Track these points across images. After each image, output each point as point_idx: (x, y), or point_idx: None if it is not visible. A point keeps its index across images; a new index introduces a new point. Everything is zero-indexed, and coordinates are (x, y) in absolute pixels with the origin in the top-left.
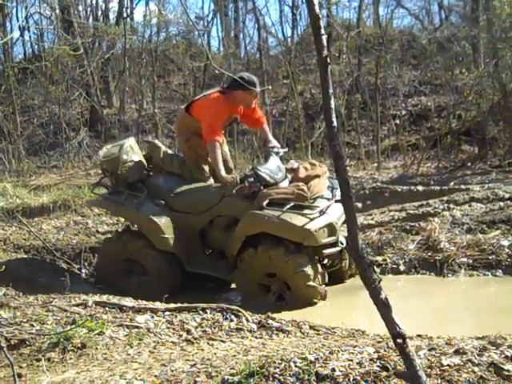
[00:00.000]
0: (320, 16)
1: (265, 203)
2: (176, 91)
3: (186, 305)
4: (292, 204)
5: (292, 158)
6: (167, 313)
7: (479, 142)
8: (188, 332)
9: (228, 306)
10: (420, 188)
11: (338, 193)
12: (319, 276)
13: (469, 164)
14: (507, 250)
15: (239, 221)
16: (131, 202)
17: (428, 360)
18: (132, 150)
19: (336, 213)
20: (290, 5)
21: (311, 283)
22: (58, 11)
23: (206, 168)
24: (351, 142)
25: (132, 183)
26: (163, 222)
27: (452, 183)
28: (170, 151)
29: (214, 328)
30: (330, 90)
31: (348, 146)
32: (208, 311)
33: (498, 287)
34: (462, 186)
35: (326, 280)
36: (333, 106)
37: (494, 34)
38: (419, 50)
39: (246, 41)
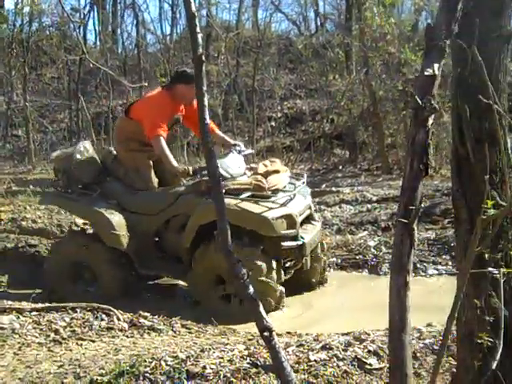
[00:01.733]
0: (196, 14)
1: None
2: (49, 84)
3: (54, 304)
4: (249, 194)
5: None
6: (34, 313)
7: (350, 146)
8: (56, 332)
9: (99, 305)
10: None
11: (301, 189)
12: (274, 273)
13: (340, 167)
14: (373, 250)
15: None
16: (84, 199)
17: (296, 356)
18: (87, 152)
19: (297, 207)
20: (170, 2)
21: (263, 278)
22: None
23: (152, 177)
24: None
25: (86, 183)
26: (116, 218)
27: (324, 185)
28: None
29: (84, 328)
30: (204, 88)
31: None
32: (78, 310)
33: (365, 285)
34: (333, 189)
35: (283, 279)
36: (206, 103)
37: (365, 43)
38: (295, 54)
39: (124, 36)
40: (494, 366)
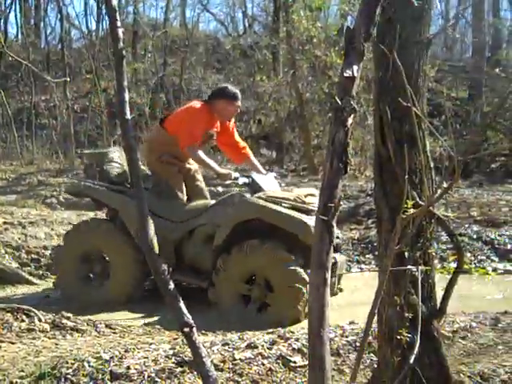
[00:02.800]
0: (117, 9)
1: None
2: None
3: None
4: (289, 204)
5: None
6: None
7: (277, 147)
8: None
9: (19, 306)
10: (220, 189)
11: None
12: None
13: (267, 167)
14: None
15: None
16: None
17: (221, 354)
18: (121, 156)
19: None
20: None
21: (299, 285)
22: None
23: (181, 190)
24: None
25: (115, 182)
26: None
27: None
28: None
29: (3, 329)
30: (125, 83)
31: None
32: None
33: None
34: None
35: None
36: (127, 98)
37: (292, 46)
38: (223, 54)
39: (47, 30)
40: (412, 360)
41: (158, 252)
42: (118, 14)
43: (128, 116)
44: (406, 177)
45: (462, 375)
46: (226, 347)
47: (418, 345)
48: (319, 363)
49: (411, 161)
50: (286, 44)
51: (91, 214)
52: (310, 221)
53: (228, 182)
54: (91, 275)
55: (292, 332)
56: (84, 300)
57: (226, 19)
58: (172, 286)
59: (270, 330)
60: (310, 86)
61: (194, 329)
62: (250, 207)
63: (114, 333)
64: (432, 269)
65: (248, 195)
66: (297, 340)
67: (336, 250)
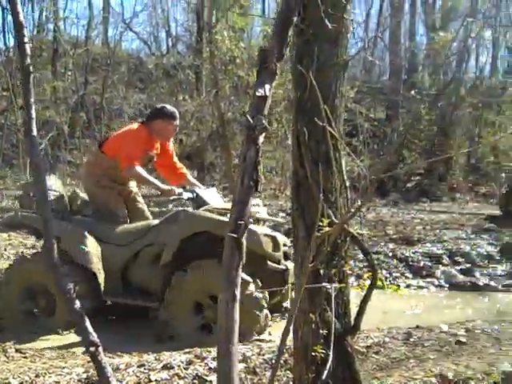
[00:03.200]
0: (24, 24)
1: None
2: None
3: None
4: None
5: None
6: None
7: (198, 167)
8: None
9: None
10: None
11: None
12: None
13: (187, 187)
14: None
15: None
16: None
17: (137, 376)
18: (57, 183)
19: (280, 237)
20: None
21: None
22: None
23: (123, 213)
24: (73, 160)
25: (54, 209)
26: (88, 236)
27: (171, 205)
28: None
29: None
30: (32, 99)
31: (70, 165)
32: None
33: None
34: (179, 208)
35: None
36: (34, 115)
37: (215, 66)
38: (146, 74)
39: None
40: (324, 376)
41: (107, 275)
42: (25, 29)
43: (34, 133)
44: (321, 195)
45: None
46: (142, 368)
47: (330, 360)
48: (228, 379)
49: (327, 180)
50: (209, 64)
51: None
52: (258, 228)
53: (172, 197)
54: (35, 310)
55: (209, 351)
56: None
57: (149, 38)
58: (78, 305)
59: (187, 350)
60: (232, 106)
61: (100, 348)
62: (197, 221)
63: (24, 357)
64: (347, 286)
65: (191, 209)
66: (213, 359)
67: (286, 258)
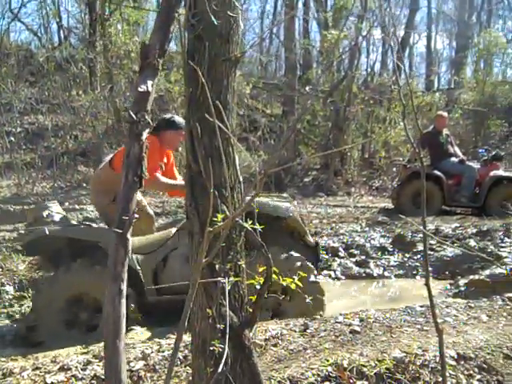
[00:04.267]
0: None
1: None
2: None
3: None
4: None
5: None
6: None
7: (94, 164)
8: None
9: None
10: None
11: None
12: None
13: (84, 184)
14: None
15: None
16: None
17: (32, 380)
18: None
19: None
20: None
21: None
22: None
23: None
24: None
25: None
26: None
27: (67, 203)
28: None
29: None
30: None
31: None
32: None
33: None
34: (77, 206)
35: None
36: None
37: (110, 60)
38: (37, 67)
39: None
40: (220, 369)
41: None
42: None
43: None
44: (214, 190)
45: (272, 381)
46: (38, 371)
47: (226, 354)
48: (115, 374)
49: (221, 175)
50: (103, 58)
51: None
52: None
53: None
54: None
55: None
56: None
57: (39, 30)
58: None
59: (85, 350)
60: (127, 101)
61: None
62: None
63: None
64: (243, 280)
65: None
66: None
67: None
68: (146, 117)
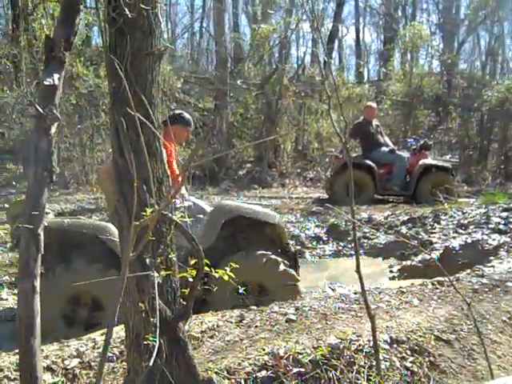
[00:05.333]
0: None
1: None
2: None
3: None
4: None
5: None
6: None
7: (24, 162)
8: None
9: None
10: None
11: None
12: None
13: (14, 183)
14: None
15: None
16: None
17: None
18: None
19: None
20: None
21: None
22: None
23: None
24: None
25: None
26: None
27: None
28: None
29: None
30: None
31: None
32: None
33: None
34: (6, 205)
35: None
36: None
37: (35, 55)
38: None
39: None
40: (152, 362)
41: None
42: None
43: None
44: (142, 185)
45: (209, 372)
46: None
47: (158, 348)
48: (30, 371)
49: (148, 170)
50: (28, 53)
51: None
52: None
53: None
54: None
55: (42, 350)
56: None
57: None
58: None
59: (17, 350)
60: None
61: None
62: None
63: None
64: (174, 273)
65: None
66: (46, 357)
67: None
68: (54, 111)
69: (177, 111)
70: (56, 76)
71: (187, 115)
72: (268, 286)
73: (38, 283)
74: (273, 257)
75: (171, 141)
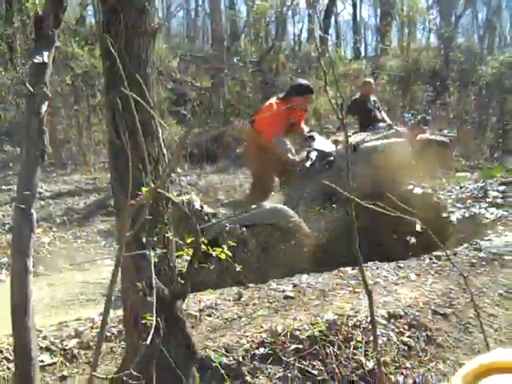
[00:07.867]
0: None
1: None
2: None
3: None
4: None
5: None
6: None
7: (20, 143)
8: None
9: None
10: None
11: None
12: None
13: (11, 164)
14: (47, 247)
15: None
16: None
17: None
18: None
19: None
20: None
21: None
22: None
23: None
24: None
25: None
26: None
27: None
28: None
29: None
30: None
31: None
32: None
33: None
34: (4, 187)
35: None
36: None
37: (29, 36)
38: None
39: None
40: (149, 341)
41: None
42: None
43: None
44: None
45: (207, 350)
46: None
47: (155, 327)
48: (25, 351)
49: (144, 149)
50: (22, 34)
51: None
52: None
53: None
54: None
55: (39, 330)
56: None
57: None
58: None
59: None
60: (51, 77)
61: None
62: None
63: None
64: (172, 252)
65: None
66: (44, 338)
67: None
68: (45, 89)
69: (295, 82)
70: (45, 54)
71: (305, 84)
72: None
73: (30, 263)
74: None
75: (294, 109)
